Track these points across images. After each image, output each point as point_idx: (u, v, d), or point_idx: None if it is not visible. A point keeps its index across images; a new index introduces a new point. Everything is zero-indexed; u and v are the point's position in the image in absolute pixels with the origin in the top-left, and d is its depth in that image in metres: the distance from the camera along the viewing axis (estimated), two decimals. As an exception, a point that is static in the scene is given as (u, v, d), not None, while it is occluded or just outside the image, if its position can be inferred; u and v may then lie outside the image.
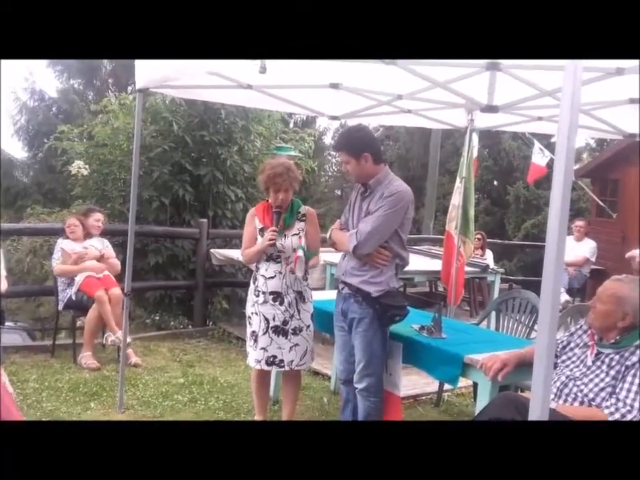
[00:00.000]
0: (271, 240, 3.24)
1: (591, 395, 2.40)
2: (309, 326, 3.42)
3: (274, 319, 3.34)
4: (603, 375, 2.43)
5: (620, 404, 2.32)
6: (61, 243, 4.91)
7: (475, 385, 3.22)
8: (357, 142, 3.02)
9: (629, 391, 2.32)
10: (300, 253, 3.28)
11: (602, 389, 2.39)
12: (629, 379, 2.35)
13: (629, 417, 2.28)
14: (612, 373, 2.40)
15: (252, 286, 3.45)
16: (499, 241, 10.73)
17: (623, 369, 2.38)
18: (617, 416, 2.30)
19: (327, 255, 5.02)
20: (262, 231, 3.36)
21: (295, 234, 3.35)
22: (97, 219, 5.06)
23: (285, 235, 3.33)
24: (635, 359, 2.36)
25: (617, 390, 2.36)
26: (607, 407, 2.35)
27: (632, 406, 2.29)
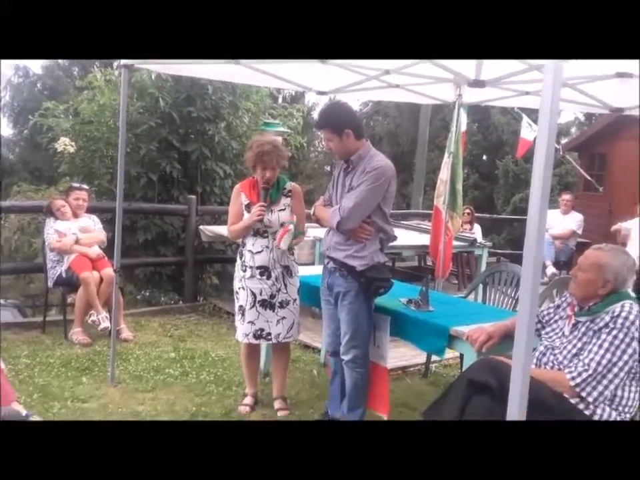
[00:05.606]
0: (259, 215, 3.27)
1: (565, 362, 2.46)
2: (295, 299, 3.48)
3: (261, 293, 3.38)
4: (575, 341, 2.48)
5: (580, 364, 2.37)
6: (54, 225, 4.83)
7: (462, 356, 3.28)
8: (338, 119, 3.03)
9: (589, 351, 2.38)
10: (291, 227, 3.31)
11: (574, 355, 2.44)
12: (593, 340, 2.40)
13: (584, 375, 2.33)
14: (584, 339, 2.45)
15: (238, 261, 3.48)
16: (487, 215, 10.80)
17: (591, 333, 2.43)
18: (574, 375, 2.35)
19: (316, 231, 5.05)
20: (248, 206, 3.38)
21: (282, 209, 3.38)
22: (76, 198, 4.97)
23: (272, 210, 3.36)
24: (602, 323, 2.41)
25: (582, 352, 2.42)
26: (569, 368, 2.40)
27: (589, 365, 2.34)
